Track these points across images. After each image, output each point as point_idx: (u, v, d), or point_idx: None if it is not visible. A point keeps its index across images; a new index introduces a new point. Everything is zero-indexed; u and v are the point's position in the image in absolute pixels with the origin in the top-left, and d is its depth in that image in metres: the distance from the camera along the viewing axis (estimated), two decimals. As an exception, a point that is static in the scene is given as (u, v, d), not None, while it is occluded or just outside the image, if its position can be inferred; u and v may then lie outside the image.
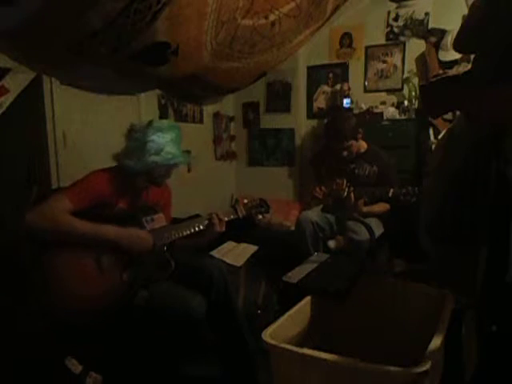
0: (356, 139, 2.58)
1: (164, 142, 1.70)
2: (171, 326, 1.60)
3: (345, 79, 3.47)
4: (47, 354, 1.55)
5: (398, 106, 3.18)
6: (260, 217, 2.02)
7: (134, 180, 1.77)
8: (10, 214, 1.63)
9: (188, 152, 1.84)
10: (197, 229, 1.80)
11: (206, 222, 1.81)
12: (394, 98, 3.31)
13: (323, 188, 2.66)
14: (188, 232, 1.78)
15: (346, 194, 2.40)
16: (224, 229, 1.84)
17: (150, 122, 1.74)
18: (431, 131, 2.88)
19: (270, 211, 2.05)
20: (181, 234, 1.77)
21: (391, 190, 2.31)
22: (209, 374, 1.68)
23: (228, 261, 2.43)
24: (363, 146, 2.66)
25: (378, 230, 2.45)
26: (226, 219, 1.85)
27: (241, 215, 1.90)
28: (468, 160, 1.17)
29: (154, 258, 1.69)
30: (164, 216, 1.86)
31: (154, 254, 1.69)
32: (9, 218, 1.57)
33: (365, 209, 2.43)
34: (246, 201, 1.98)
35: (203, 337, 1.67)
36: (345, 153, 2.58)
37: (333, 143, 2.62)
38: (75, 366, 1.54)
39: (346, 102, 3.34)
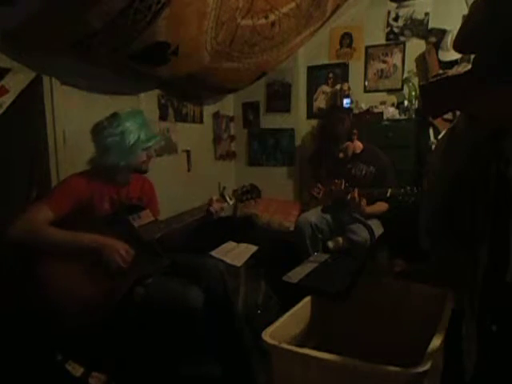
0: (351, 140, 2.58)
1: (138, 127, 1.71)
2: (169, 320, 1.60)
3: (345, 79, 3.46)
4: (46, 358, 1.55)
5: (398, 106, 3.18)
6: (253, 203, 1.98)
7: (113, 178, 1.77)
8: (10, 215, 1.62)
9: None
10: (188, 220, 1.80)
11: (202, 214, 1.81)
12: (393, 98, 3.30)
13: (321, 187, 2.66)
14: (177, 225, 1.77)
15: (349, 195, 2.40)
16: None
17: (113, 115, 1.72)
18: (431, 131, 2.87)
19: (261, 195, 2.01)
20: (170, 228, 1.76)
21: (389, 190, 2.31)
22: (207, 373, 1.68)
23: (228, 261, 2.43)
24: (359, 146, 2.66)
25: (378, 230, 2.45)
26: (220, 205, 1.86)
27: (230, 203, 1.89)
28: (468, 160, 1.17)
29: (144, 253, 1.68)
30: (151, 211, 1.87)
31: (143, 250, 1.68)
32: (8, 219, 1.57)
33: (368, 209, 2.43)
34: (235, 188, 1.96)
35: (201, 336, 1.66)
36: (341, 154, 2.58)
37: (328, 145, 2.62)
38: (76, 369, 1.53)
39: (345, 102, 3.33)
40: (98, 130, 1.71)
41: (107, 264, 1.57)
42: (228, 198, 1.89)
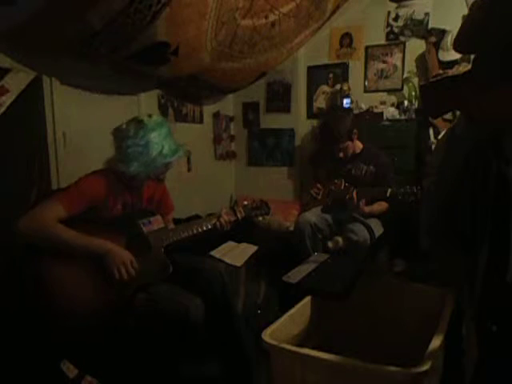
0: (351, 140, 2.58)
1: (162, 139, 1.68)
2: (170, 328, 1.60)
3: (345, 79, 3.46)
4: (42, 357, 1.54)
5: (398, 106, 3.18)
6: (260, 218, 2.01)
7: (130, 183, 1.76)
8: (10, 215, 1.62)
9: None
10: (197, 231, 1.80)
11: (209, 225, 1.82)
12: (393, 98, 3.30)
13: (320, 187, 2.66)
14: (186, 234, 1.78)
15: (348, 195, 2.40)
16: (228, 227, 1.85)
17: (139, 123, 1.68)
18: (431, 131, 2.87)
19: (270, 212, 2.03)
20: (179, 237, 1.76)
21: (389, 190, 2.31)
22: (207, 374, 1.68)
23: (228, 261, 2.43)
24: (358, 146, 2.66)
25: (378, 230, 2.45)
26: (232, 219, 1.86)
27: (240, 217, 1.90)
28: (468, 160, 1.17)
29: (152, 260, 1.68)
30: (163, 212, 1.87)
31: (151, 256, 1.68)
32: (8, 219, 1.57)
33: (367, 209, 2.42)
34: (245, 202, 1.97)
35: (202, 338, 1.66)
36: (341, 154, 2.58)
37: (328, 144, 2.62)
38: (70, 370, 1.53)
39: (345, 101, 3.33)
40: (121, 137, 1.67)
41: (110, 272, 1.56)
42: (238, 214, 1.90)
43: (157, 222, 1.78)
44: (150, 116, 1.74)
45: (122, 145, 1.66)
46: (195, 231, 1.80)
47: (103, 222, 1.63)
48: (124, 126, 1.69)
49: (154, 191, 1.92)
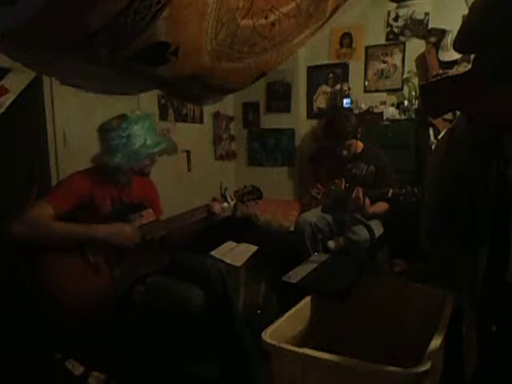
0: (356, 138, 2.59)
1: (145, 131, 1.72)
2: (169, 319, 1.60)
3: (345, 79, 3.46)
4: (47, 356, 1.55)
5: (398, 106, 3.18)
6: (253, 203, 1.99)
7: (116, 178, 1.78)
8: (11, 214, 1.62)
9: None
10: (189, 221, 1.81)
11: (201, 215, 1.82)
12: (394, 98, 3.30)
13: (321, 187, 2.66)
14: (179, 225, 1.79)
15: (353, 194, 2.39)
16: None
17: (122, 117, 1.73)
18: (431, 131, 2.87)
19: (263, 196, 2.02)
20: (172, 228, 1.78)
21: (390, 190, 2.31)
22: (207, 374, 1.68)
23: (228, 261, 2.43)
24: (360, 145, 2.67)
25: (378, 230, 2.44)
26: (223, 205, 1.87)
27: (232, 203, 1.90)
28: (469, 160, 1.17)
29: (145, 252, 1.69)
30: (153, 210, 1.88)
31: (144, 249, 1.69)
32: (8, 219, 1.57)
33: (370, 209, 2.42)
34: (236, 189, 1.97)
35: (202, 337, 1.66)
36: (344, 152, 2.58)
37: (333, 142, 2.62)
38: (76, 368, 1.53)
39: (345, 102, 3.33)
40: (105, 130, 1.71)
41: (118, 248, 1.62)
42: (229, 199, 1.89)
43: (148, 215, 1.80)
44: (133, 111, 1.80)
45: (107, 137, 1.70)
46: (188, 221, 1.80)
47: (95, 219, 1.64)
48: (108, 121, 1.73)
49: (144, 190, 1.93)
